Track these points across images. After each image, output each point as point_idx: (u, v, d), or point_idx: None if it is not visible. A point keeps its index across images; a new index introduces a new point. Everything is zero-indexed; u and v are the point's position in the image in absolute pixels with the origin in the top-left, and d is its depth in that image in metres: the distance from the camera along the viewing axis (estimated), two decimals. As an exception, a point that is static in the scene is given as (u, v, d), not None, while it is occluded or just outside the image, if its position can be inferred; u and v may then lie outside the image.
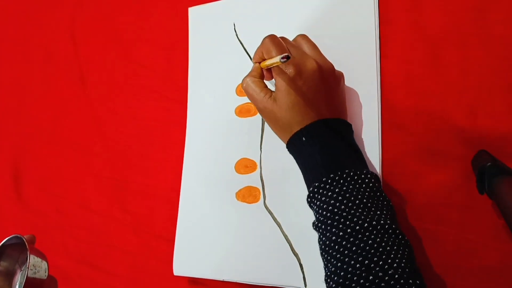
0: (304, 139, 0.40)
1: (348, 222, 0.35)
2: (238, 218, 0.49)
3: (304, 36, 0.44)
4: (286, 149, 0.43)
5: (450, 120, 0.42)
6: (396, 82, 0.45)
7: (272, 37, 0.41)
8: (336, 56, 0.46)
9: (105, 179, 0.60)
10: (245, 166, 0.49)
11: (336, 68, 0.44)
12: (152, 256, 0.55)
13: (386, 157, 0.44)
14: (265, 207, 0.48)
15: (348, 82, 0.46)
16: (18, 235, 0.41)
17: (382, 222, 0.35)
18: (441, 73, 0.43)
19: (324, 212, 0.37)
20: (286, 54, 0.36)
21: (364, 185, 0.37)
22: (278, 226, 0.46)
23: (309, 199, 0.40)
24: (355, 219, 0.35)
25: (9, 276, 0.42)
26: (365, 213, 0.35)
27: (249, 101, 0.50)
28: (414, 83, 0.44)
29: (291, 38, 0.49)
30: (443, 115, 0.42)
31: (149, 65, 0.59)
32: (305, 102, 0.40)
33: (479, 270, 0.40)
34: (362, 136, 0.44)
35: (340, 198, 0.36)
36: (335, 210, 0.36)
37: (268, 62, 0.41)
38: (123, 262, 0.57)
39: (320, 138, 0.39)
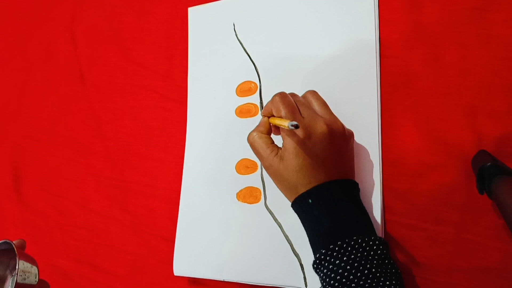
0: (310, 201, 0.38)
1: None
2: (239, 218, 0.49)
3: (313, 93, 0.42)
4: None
5: (450, 120, 0.42)
6: (396, 82, 0.45)
7: (282, 95, 0.40)
8: (336, 56, 0.47)
9: (105, 179, 0.60)
10: (245, 166, 0.49)
11: (336, 68, 0.44)
12: (152, 256, 0.55)
13: (386, 157, 0.44)
14: (266, 207, 0.48)
15: (348, 82, 0.46)
16: (8, 241, 0.41)
17: None
18: (441, 73, 0.43)
19: (332, 281, 0.36)
20: (296, 123, 0.35)
21: (372, 253, 0.36)
22: (279, 227, 0.47)
23: (315, 265, 0.38)
24: None
25: (0, 282, 0.42)
26: (374, 284, 0.34)
27: (249, 102, 0.50)
28: (414, 83, 0.44)
29: (291, 34, 0.49)
30: (443, 115, 0.42)
31: (149, 65, 0.59)
32: (313, 165, 0.38)
33: (479, 270, 0.40)
34: (362, 136, 0.44)
35: (348, 267, 0.35)
36: (343, 280, 0.35)
37: (277, 121, 0.40)
38: (123, 262, 0.57)
39: (327, 202, 0.38)
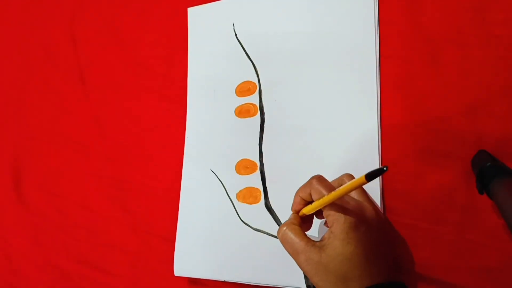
0: None
1: None
2: (238, 218, 0.49)
3: (350, 177, 0.39)
4: (286, 149, 0.42)
5: (450, 120, 0.42)
6: (396, 82, 0.45)
7: (319, 178, 0.37)
8: (336, 56, 0.47)
9: (105, 179, 0.60)
10: (245, 167, 0.49)
11: (336, 68, 0.44)
12: (152, 256, 0.55)
13: (386, 157, 0.44)
14: (266, 207, 0.48)
15: (348, 82, 0.46)
16: None
17: None
18: (441, 73, 0.43)
19: None
20: (386, 167, 0.29)
21: None
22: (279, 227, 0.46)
23: None
24: None
25: None
26: None
27: (249, 102, 0.50)
28: (414, 83, 0.44)
29: (291, 34, 0.49)
30: (443, 115, 0.42)
31: (149, 65, 0.59)
32: (366, 254, 0.34)
33: (479, 270, 0.40)
34: (361, 137, 0.44)
35: None
36: None
37: (329, 198, 0.34)
38: (123, 262, 0.57)
39: None
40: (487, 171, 0.37)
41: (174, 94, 0.56)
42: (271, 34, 0.50)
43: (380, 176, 0.43)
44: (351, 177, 0.39)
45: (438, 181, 0.42)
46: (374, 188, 0.43)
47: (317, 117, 0.47)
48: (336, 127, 0.45)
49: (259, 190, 0.48)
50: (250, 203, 0.48)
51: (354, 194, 0.38)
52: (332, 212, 0.35)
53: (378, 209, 0.38)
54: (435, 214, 0.42)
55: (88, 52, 0.65)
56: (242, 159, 0.50)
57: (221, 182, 0.50)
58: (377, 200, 0.43)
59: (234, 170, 0.50)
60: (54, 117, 0.66)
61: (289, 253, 0.37)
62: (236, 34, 0.52)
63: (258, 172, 0.49)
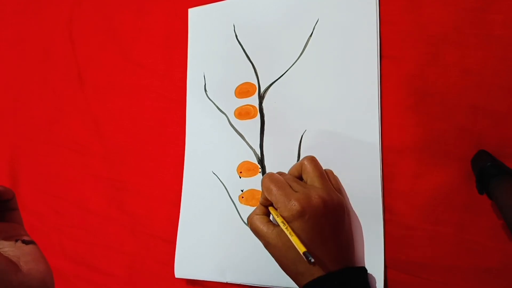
0: None
1: None
2: (241, 221, 0.49)
3: (311, 161, 0.42)
4: (287, 151, 0.42)
5: (450, 120, 0.42)
6: (396, 82, 0.45)
7: (269, 175, 0.42)
8: (337, 57, 0.46)
9: (103, 180, 0.60)
10: (247, 169, 0.49)
11: (336, 69, 0.43)
12: (150, 257, 0.55)
13: (386, 157, 0.44)
14: (269, 210, 0.47)
15: (348, 82, 0.45)
16: None
17: None
18: (441, 73, 0.43)
19: None
20: (308, 256, 0.35)
21: None
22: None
23: None
24: None
25: None
26: None
27: (248, 103, 0.50)
28: (414, 83, 0.44)
29: (291, 35, 0.49)
30: (443, 115, 0.42)
31: (147, 65, 0.58)
32: (309, 240, 0.37)
33: (479, 270, 0.40)
34: (362, 137, 0.44)
35: None
36: None
37: (273, 212, 0.40)
38: (121, 263, 0.57)
39: None
40: (487, 171, 0.37)
41: (173, 94, 0.56)
42: (271, 35, 0.50)
43: (380, 176, 0.43)
44: (311, 161, 0.42)
45: (438, 181, 0.42)
46: (374, 188, 0.43)
47: (317, 118, 0.46)
48: (337, 127, 0.45)
49: (262, 192, 0.48)
50: (253, 206, 0.48)
51: (309, 180, 0.41)
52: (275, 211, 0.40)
53: (329, 194, 0.40)
54: (435, 214, 0.42)
55: (87, 52, 0.64)
56: (243, 161, 0.49)
57: (223, 184, 0.50)
58: (377, 200, 0.43)
59: (236, 172, 0.50)
60: (52, 117, 0.65)
61: (257, 237, 0.42)
62: (236, 35, 0.52)
63: (260, 174, 0.48)
